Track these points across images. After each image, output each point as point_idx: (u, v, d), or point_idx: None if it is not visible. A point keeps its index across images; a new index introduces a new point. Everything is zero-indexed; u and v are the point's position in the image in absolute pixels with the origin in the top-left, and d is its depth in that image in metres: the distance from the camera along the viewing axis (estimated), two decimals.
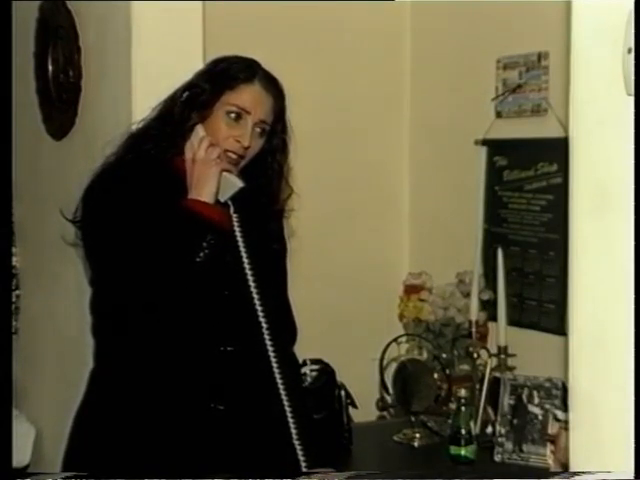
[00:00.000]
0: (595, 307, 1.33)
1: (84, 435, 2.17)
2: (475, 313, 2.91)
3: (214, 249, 2.02)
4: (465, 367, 2.89)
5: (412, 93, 3.45)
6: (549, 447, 2.51)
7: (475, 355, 2.85)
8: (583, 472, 1.33)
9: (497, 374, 2.74)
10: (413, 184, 3.48)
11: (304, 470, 2.11)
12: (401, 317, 3.26)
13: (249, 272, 2.12)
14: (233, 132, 2.10)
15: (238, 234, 2.13)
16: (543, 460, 2.52)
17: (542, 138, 2.95)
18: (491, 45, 3.11)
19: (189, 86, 2.16)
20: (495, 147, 3.13)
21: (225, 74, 2.13)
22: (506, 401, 2.61)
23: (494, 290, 2.90)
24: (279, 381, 2.14)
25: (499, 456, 2.58)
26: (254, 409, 2.14)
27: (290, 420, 2.13)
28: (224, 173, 2.10)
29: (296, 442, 2.13)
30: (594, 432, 1.33)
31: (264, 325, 2.13)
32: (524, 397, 2.59)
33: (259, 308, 2.13)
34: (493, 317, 2.90)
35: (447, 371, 2.76)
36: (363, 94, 3.39)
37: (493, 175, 3.14)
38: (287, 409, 2.14)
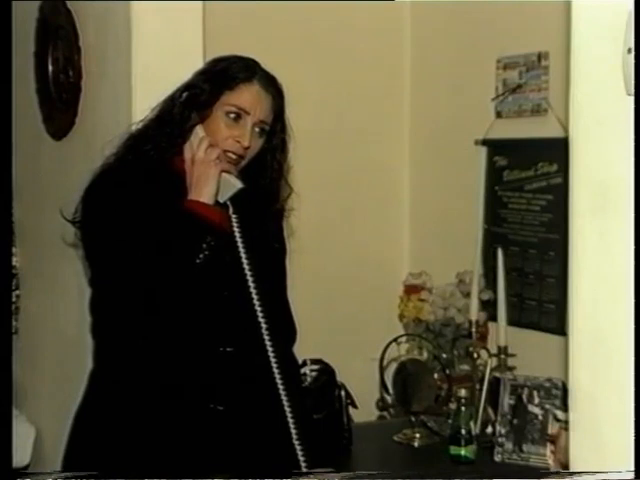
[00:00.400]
0: (595, 307, 1.33)
1: (84, 435, 2.17)
2: (475, 313, 2.91)
3: (214, 250, 2.02)
4: (465, 367, 2.89)
5: (412, 93, 3.45)
6: (549, 447, 2.50)
7: (475, 355, 2.85)
8: (583, 472, 1.33)
9: (497, 374, 2.74)
10: (413, 184, 3.48)
11: (304, 470, 2.11)
12: (401, 317, 3.26)
13: (248, 273, 2.12)
14: (233, 132, 2.10)
15: (237, 235, 2.13)
16: (543, 460, 2.52)
17: (542, 138, 2.94)
18: (491, 45, 3.11)
19: (188, 86, 2.15)
20: (495, 147, 3.13)
21: (224, 74, 2.13)
22: (506, 401, 2.61)
23: (494, 290, 2.90)
24: (279, 381, 2.13)
25: (499, 456, 2.58)
26: (254, 410, 2.14)
27: (290, 420, 2.13)
28: (223, 174, 2.10)
29: (296, 442, 2.13)
30: (594, 432, 1.33)
31: (264, 325, 2.13)
32: (524, 397, 2.59)
33: (258, 309, 2.12)
34: (493, 317, 2.90)
35: (447, 371, 2.76)
36: (363, 94, 3.39)
37: (493, 175, 3.14)
38: (287, 409, 2.13)
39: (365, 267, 3.42)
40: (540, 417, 2.56)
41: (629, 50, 1.22)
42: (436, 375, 2.75)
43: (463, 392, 2.61)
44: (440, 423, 2.73)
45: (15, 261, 3.29)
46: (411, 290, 3.24)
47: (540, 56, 2.94)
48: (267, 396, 2.14)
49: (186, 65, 2.28)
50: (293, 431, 2.13)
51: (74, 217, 2.16)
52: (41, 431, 3.14)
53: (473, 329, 2.90)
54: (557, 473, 2.29)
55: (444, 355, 2.86)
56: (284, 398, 2.14)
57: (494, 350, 2.82)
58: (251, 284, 2.12)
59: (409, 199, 3.48)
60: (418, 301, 3.17)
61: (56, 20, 2.92)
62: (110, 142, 2.19)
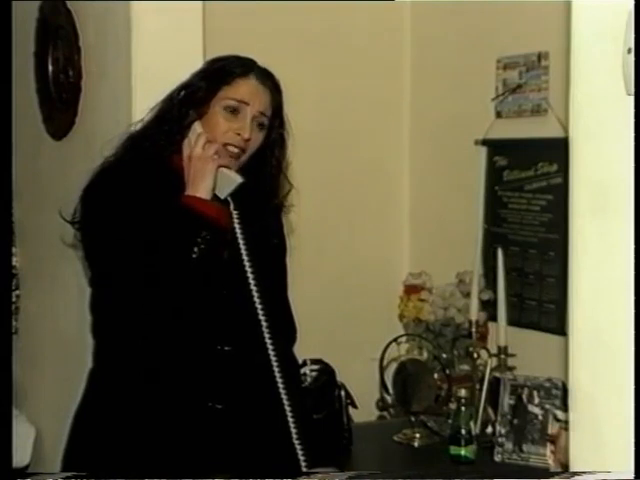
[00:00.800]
0: (595, 307, 1.33)
1: (83, 435, 2.17)
2: (475, 313, 2.91)
3: (209, 245, 2.01)
4: (465, 367, 2.89)
5: (412, 93, 3.45)
6: (549, 447, 2.51)
7: (475, 355, 2.85)
8: (583, 472, 1.33)
9: (497, 374, 2.74)
10: (413, 184, 3.48)
11: (304, 470, 2.11)
12: (401, 317, 3.26)
13: (249, 270, 2.12)
14: (232, 125, 2.10)
15: (238, 231, 2.13)
16: (543, 460, 2.52)
17: (542, 138, 2.94)
18: (491, 45, 3.11)
19: (186, 85, 2.16)
20: (495, 147, 3.13)
21: (221, 71, 2.13)
22: (506, 401, 2.61)
23: (494, 290, 2.90)
24: (279, 381, 2.13)
25: (499, 456, 2.58)
26: (253, 409, 2.14)
27: (290, 420, 2.13)
28: (223, 169, 2.09)
29: (296, 442, 2.13)
30: (594, 432, 1.33)
31: (264, 324, 2.12)
32: (524, 397, 2.59)
33: (259, 307, 2.12)
34: (493, 317, 2.90)
35: (447, 371, 2.76)
36: (363, 94, 3.39)
37: (493, 175, 3.14)
38: (287, 409, 2.13)
39: (365, 267, 3.42)
40: (540, 417, 2.56)
41: (629, 50, 1.22)
42: (436, 375, 2.75)
43: (463, 392, 2.61)
44: (440, 423, 2.73)
45: (15, 261, 3.29)
46: (411, 290, 3.24)
47: (540, 56, 2.94)
48: (266, 395, 2.14)
49: (186, 65, 2.28)
50: (293, 431, 2.13)
51: (73, 218, 2.16)
52: (41, 431, 3.14)
53: (473, 329, 2.90)
54: (557, 473, 2.29)
55: (444, 355, 2.87)
56: (284, 398, 2.14)
57: (494, 350, 2.82)
58: (251, 282, 2.12)
59: (409, 199, 3.48)
60: (418, 301, 3.17)
61: (56, 20, 2.92)
62: (110, 142, 2.19)
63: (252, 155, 2.15)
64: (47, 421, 3.09)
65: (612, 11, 1.26)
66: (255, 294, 2.12)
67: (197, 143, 2.08)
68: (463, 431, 2.53)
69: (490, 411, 2.72)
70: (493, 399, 2.69)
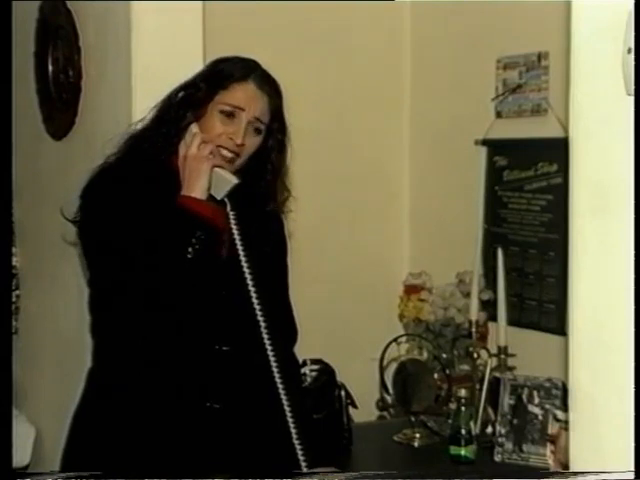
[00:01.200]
0: (595, 307, 1.33)
1: (82, 434, 2.17)
2: (475, 313, 2.91)
3: (205, 245, 2.01)
4: (465, 367, 2.89)
5: (412, 93, 3.45)
6: (549, 447, 2.50)
7: (475, 355, 2.85)
8: (583, 472, 1.33)
9: (497, 374, 2.74)
10: (413, 184, 3.48)
11: (304, 470, 2.11)
12: (401, 317, 3.26)
13: (247, 271, 2.12)
14: (227, 129, 2.10)
15: (235, 232, 2.12)
16: (543, 460, 2.52)
17: (542, 138, 2.95)
18: (491, 45, 3.11)
19: (184, 86, 2.16)
20: (495, 147, 3.13)
21: (220, 74, 2.13)
22: (506, 401, 2.61)
23: (494, 290, 2.90)
24: (278, 381, 2.13)
25: (499, 456, 2.58)
26: (251, 409, 2.14)
27: (290, 420, 2.13)
28: (217, 169, 2.09)
29: (296, 442, 2.13)
30: (594, 432, 1.33)
31: (262, 325, 2.12)
32: (524, 397, 2.59)
33: (257, 307, 2.12)
34: (493, 317, 2.90)
35: (447, 371, 2.76)
36: (363, 94, 3.39)
37: (493, 175, 3.14)
38: (287, 409, 2.13)
39: (365, 267, 3.42)
40: (540, 417, 2.56)
41: (629, 50, 1.22)
42: (436, 375, 2.75)
43: (463, 392, 2.61)
44: (440, 423, 2.73)
45: (15, 261, 3.29)
46: (411, 290, 3.24)
47: (540, 56, 2.94)
48: (266, 395, 2.14)
49: (186, 65, 2.28)
50: (293, 431, 2.13)
51: (74, 217, 2.16)
52: (41, 431, 3.14)
53: (473, 329, 2.90)
54: (557, 473, 2.29)
55: (444, 355, 2.86)
56: (284, 398, 2.13)
57: (494, 350, 2.82)
58: (249, 282, 2.12)
59: (409, 199, 3.48)
60: (418, 301, 3.17)
61: (56, 20, 2.92)
62: (109, 142, 2.19)
63: (251, 158, 2.15)
64: (47, 421, 3.09)
65: (612, 11, 1.26)
66: (253, 294, 2.12)
67: (192, 143, 2.08)
68: (463, 431, 2.53)
69: (490, 411, 2.72)
70: (493, 399, 2.69)
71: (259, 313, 2.12)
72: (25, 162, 3.09)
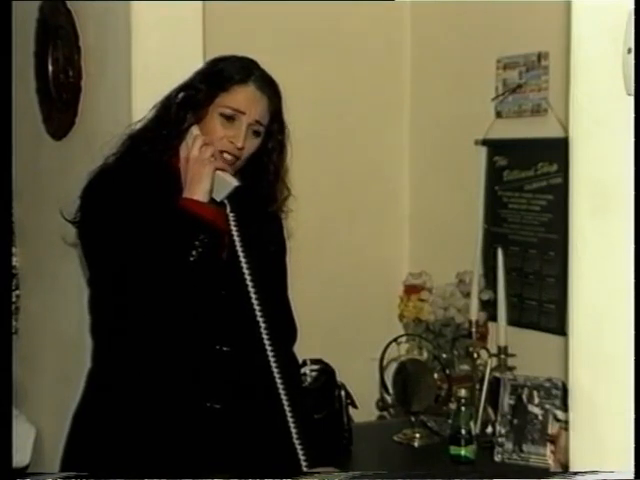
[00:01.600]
0: (595, 307, 1.33)
1: (82, 435, 2.17)
2: (475, 313, 2.91)
3: (207, 248, 2.02)
4: (465, 367, 2.89)
5: (412, 93, 3.45)
6: (549, 447, 2.51)
7: (475, 355, 2.85)
8: (583, 472, 1.33)
9: (497, 374, 2.74)
10: (413, 184, 3.47)
11: (304, 470, 2.11)
12: (401, 317, 3.26)
13: (246, 272, 2.12)
14: (227, 133, 2.10)
15: (235, 233, 2.13)
16: (543, 460, 2.52)
17: (542, 138, 2.94)
18: (491, 45, 3.11)
19: (184, 87, 2.16)
20: (495, 147, 3.13)
21: (220, 75, 2.13)
22: (506, 401, 2.61)
23: (494, 290, 2.90)
24: (278, 381, 2.14)
25: (499, 456, 2.58)
26: (252, 409, 2.14)
27: (290, 420, 2.13)
28: (219, 172, 2.09)
29: (296, 442, 2.13)
30: (594, 432, 1.33)
31: (262, 325, 2.13)
32: (524, 397, 2.59)
33: (257, 308, 2.12)
34: (493, 317, 2.90)
35: (447, 371, 2.76)
36: (363, 94, 3.39)
37: (493, 175, 3.14)
38: (287, 409, 2.14)
39: (365, 267, 3.42)
40: (540, 417, 2.56)
41: (629, 50, 1.22)
42: (436, 375, 2.75)
43: (463, 392, 2.61)
44: (440, 423, 2.73)
45: (15, 261, 3.29)
46: (411, 290, 3.24)
47: (540, 56, 2.94)
48: (266, 396, 2.14)
49: (186, 65, 2.28)
50: (293, 431, 2.13)
51: (74, 217, 2.16)
52: (41, 431, 3.14)
53: (473, 329, 2.90)
54: (557, 473, 2.29)
55: (444, 355, 2.87)
56: (284, 398, 2.14)
57: (494, 350, 2.82)
58: (249, 283, 2.12)
59: (409, 199, 3.48)
60: (418, 301, 3.17)
61: (56, 20, 2.92)
62: (109, 142, 2.19)
63: (249, 159, 2.15)
64: (47, 421, 3.09)
65: (612, 11, 1.27)
66: (253, 295, 2.12)
67: (194, 145, 2.08)
68: (463, 431, 2.53)
69: (490, 411, 2.72)
70: (493, 399, 2.69)
71: (259, 313, 2.13)
72: (25, 162, 3.09)
